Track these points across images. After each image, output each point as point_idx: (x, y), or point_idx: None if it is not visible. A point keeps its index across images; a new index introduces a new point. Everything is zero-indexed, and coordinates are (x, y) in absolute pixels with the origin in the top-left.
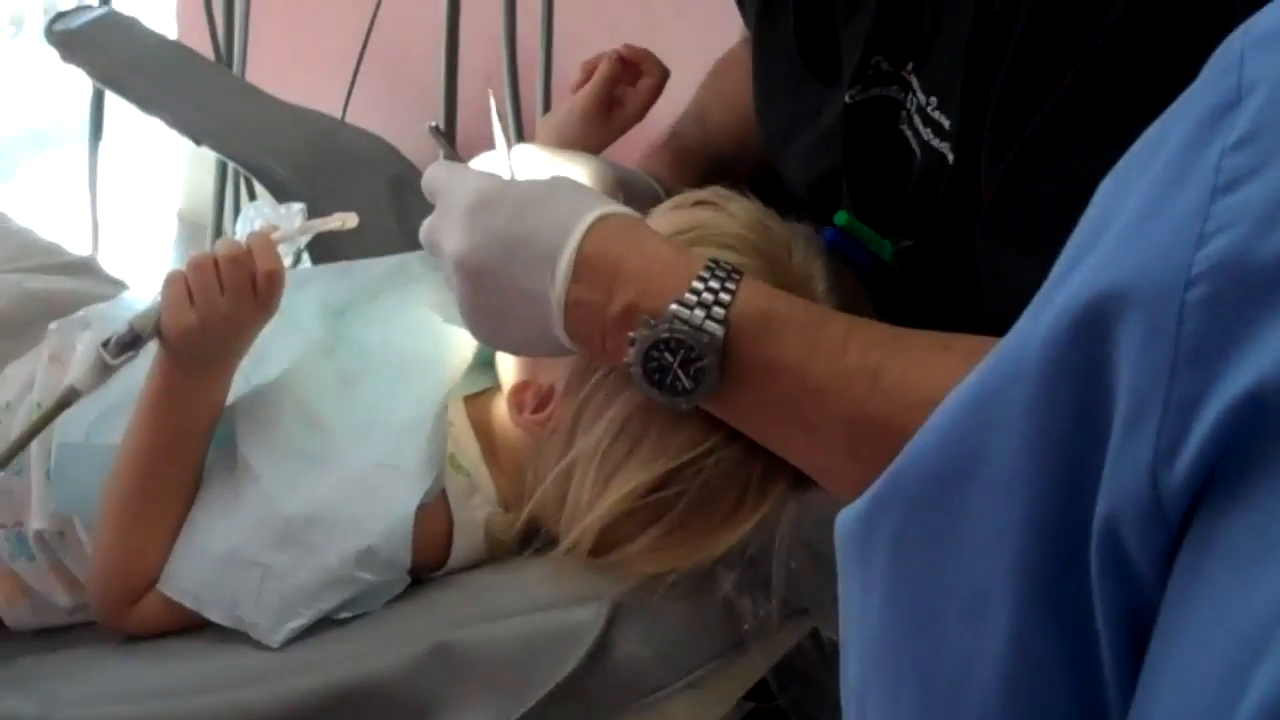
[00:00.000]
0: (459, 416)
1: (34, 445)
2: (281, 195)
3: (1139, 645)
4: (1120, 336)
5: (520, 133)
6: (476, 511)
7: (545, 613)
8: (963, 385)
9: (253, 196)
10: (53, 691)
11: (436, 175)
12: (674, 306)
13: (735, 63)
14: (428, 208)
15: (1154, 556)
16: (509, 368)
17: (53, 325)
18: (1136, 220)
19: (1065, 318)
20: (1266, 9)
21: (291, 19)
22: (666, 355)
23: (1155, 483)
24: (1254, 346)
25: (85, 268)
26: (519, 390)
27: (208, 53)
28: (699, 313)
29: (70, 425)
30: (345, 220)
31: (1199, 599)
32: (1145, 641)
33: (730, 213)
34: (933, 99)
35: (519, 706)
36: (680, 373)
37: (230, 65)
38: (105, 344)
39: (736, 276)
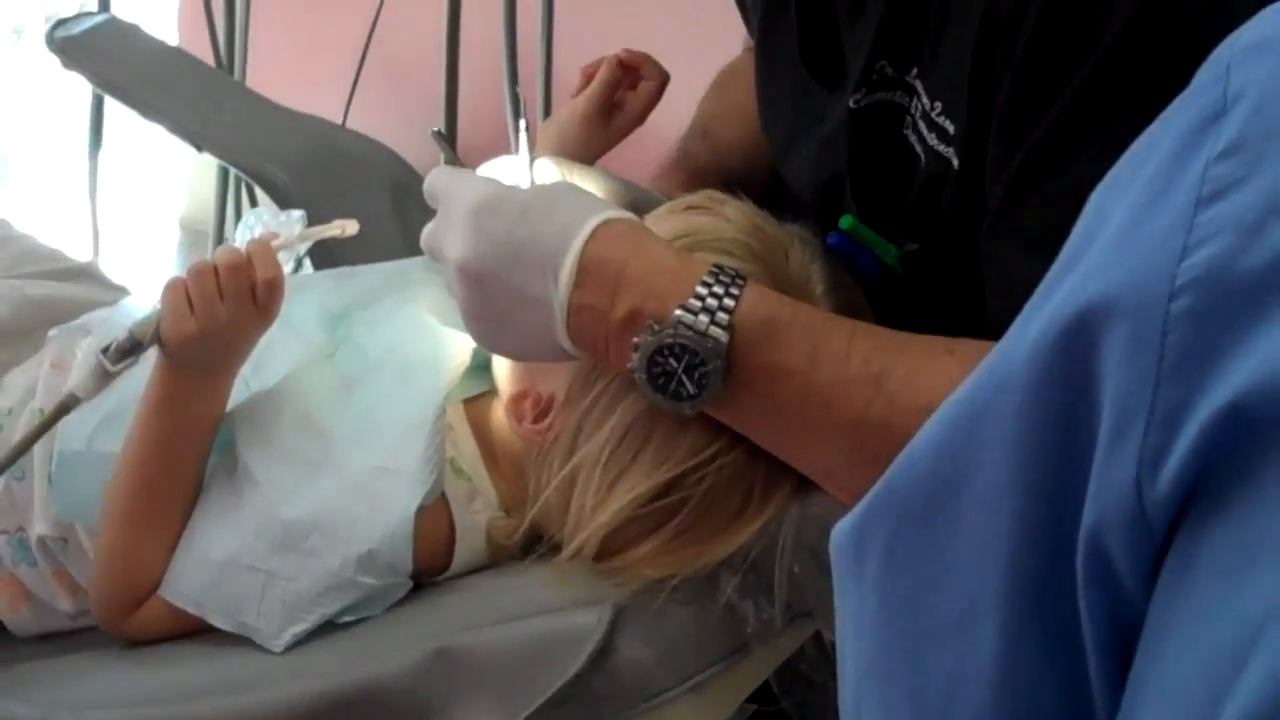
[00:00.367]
0: (458, 420)
1: (37, 451)
2: (282, 201)
3: (1125, 655)
4: (1105, 349)
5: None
6: (477, 516)
7: (547, 617)
8: (952, 397)
9: (254, 203)
10: (53, 696)
11: (438, 180)
12: (678, 312)
13: (738, 74)
14: (429, 213)
15: (1139, 567)
16: (506, 377)
17: (53, 331)
18: (1123, 231)
19: (1051, 331)
20: (1253, 20)
21: (292, 24)
22: (671, 361)
23: (1140, 494)
24: (1236, 358)
25: (86, 274)
26: (517, 400)
27: (208, 59)
28: (703, 318)
29: (71, 432)
30: (345, 227)
31: (1183, 609)
32: (1131, 651)
33: (726, 217)
34: (938, 104)
35: (521, 711)
36: (684, 378)
37: (231, 71)
38: (105, 350)
39: (741, 282)
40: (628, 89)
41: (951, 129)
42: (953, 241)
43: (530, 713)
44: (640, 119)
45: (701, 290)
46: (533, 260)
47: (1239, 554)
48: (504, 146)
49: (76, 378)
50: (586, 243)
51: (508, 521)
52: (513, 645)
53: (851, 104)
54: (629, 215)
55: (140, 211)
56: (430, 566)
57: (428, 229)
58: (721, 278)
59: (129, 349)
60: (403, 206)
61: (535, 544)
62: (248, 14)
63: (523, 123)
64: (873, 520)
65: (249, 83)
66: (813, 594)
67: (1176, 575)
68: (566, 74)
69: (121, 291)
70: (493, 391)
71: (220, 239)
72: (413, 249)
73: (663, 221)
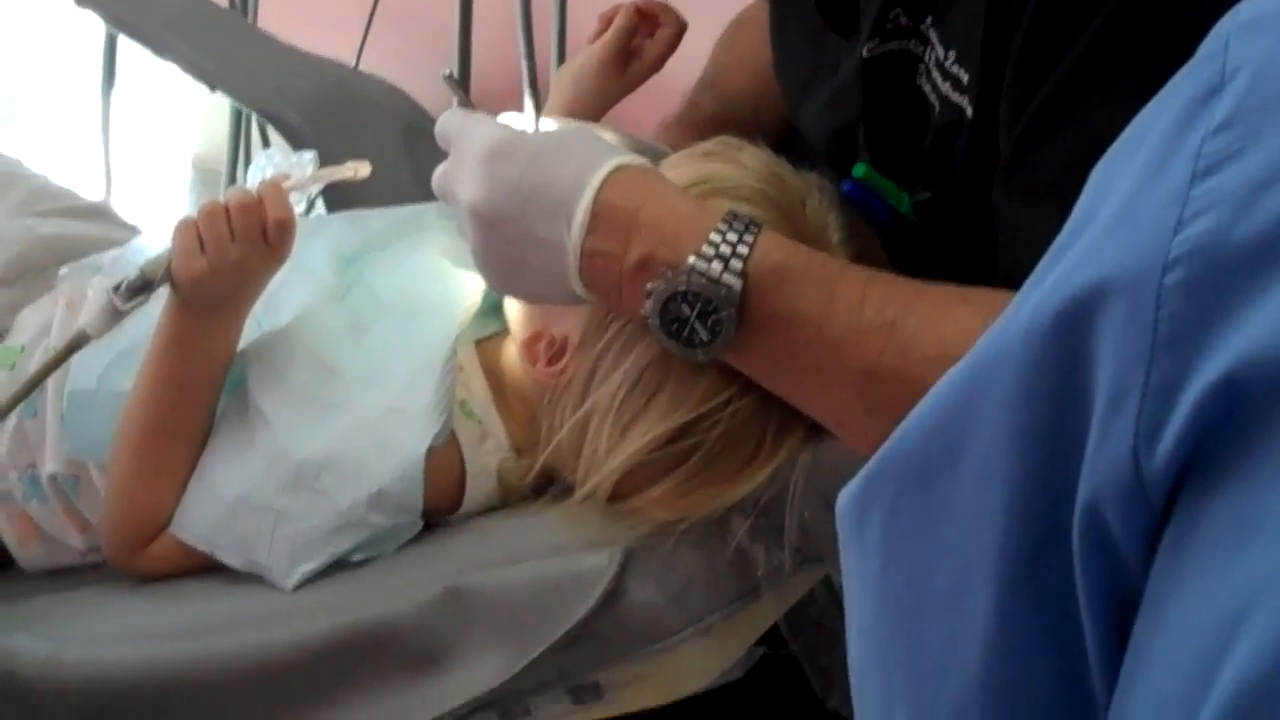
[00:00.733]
0: (469, 361)
1: (49, 388)
2: (295, 142)
3: (1123, 627)
4: (1101, 326)
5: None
6: (488, 457)
7: (558, 558)
8: (955, 367)
9: (266, 143)
10: (64, 630)
11: (451, 123)
12: (692, 259)
13: (748, 24)
14: (441, 156)
15: (1138, 539)
16: (520, 319)
17: (64, 270)
18: (1121, 209)
19: (1048, 309)
20: None
21: None
22: (684, 307)
23: (1137, 466)
24: (1231, 329)
25: (99, 213)
26: (531, 342)
27: (222, 1)
28: (717, 265)
29: (82, 371)
30: (358, 169)
31: (1181, 581)
32: (1129, 624)
33: (743, 164)
34: (951, 53)
35: (531, 651)
36: (698, 324)
37: (244, 12)
38: (116, 289)
39: (755, 229)
40: (645, 36)
41: (965, 78)
42: (966, 190)
43: (540, 653)
44: (656, 66)
45: (715, 237)
46: (546, 205)
47: (1235, 525)
48: (517, 90)
49: (87, 315)
50: (600, 188)
51: (519, 463)
52: (523, 586)
53: (865, 53)
54: (643, 161)
55: (153, 151)
56: (441, 506)
57: (439, 171)
58: (735, 224)
59: (140, 287)
60: (415, 149)
61: (547, 485)
62: None
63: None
64: (875, 486)
65: (261, 24)
66: (823, 539)
67: (1174, 547)
68: (582, 19)
69: (134, 230)
70: (504, 332)
71: (232, 179)
72: (425, 191)
73: (679, 167)
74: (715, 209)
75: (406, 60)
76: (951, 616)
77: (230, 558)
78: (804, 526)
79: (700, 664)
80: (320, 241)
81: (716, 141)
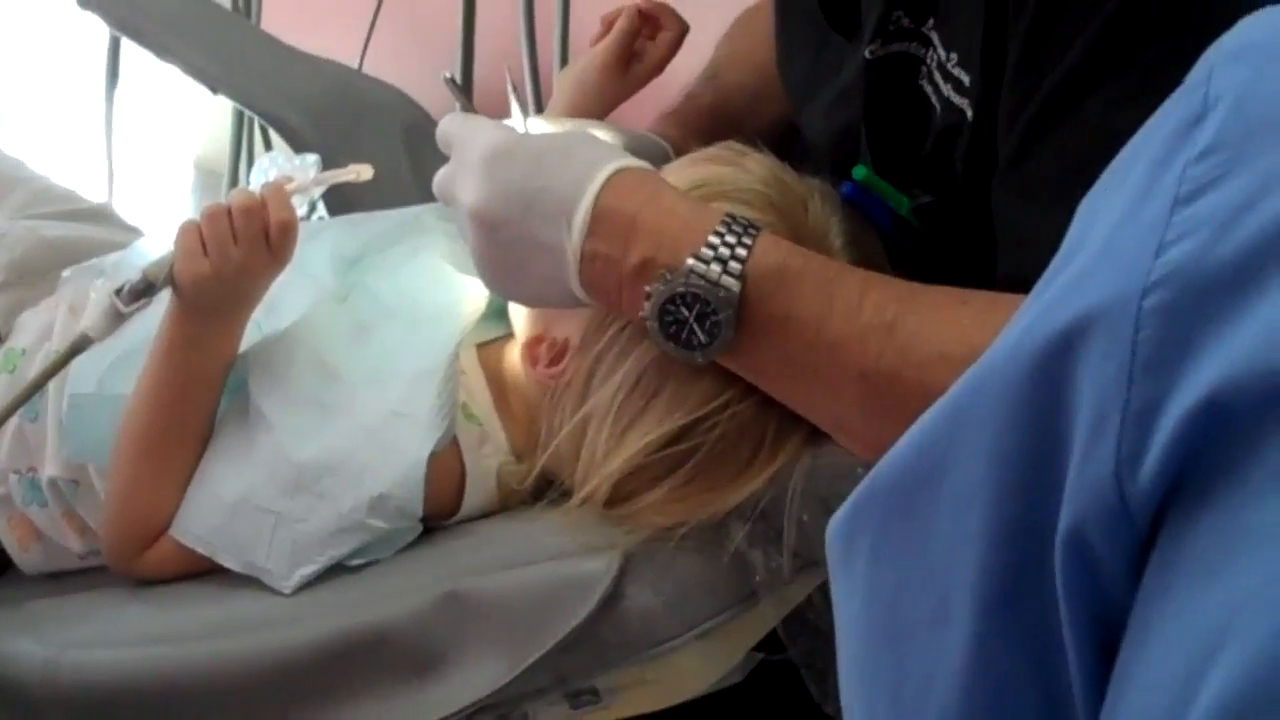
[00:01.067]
0: (471, 365)
1: (51, 392)
2: (297, 144)
3: (1108, 653)
4: (1082, 356)
5: (537, 86)
6: (488, 460)
7: (557, 562)
8: (941, 398)
9: (269, 145)
10: (64, 634)
11: (451, 126)
12: (690, 261)
13: (754, 19)
14: (443, 158)
15: (1123, 562)
16: (522, 321)
17: (66, 272)
18: (1105, 239)
19: (1031, 342)
20: (1239, 24)
21: None
22: (682, 310)
23: (1120, 489)
24: (1211, 351)
25: (101, 215)
26: (533, 344)
27: (225, 1)
28: (715, 267)
29: (82, 375)
30: (360, 172)
31: (1166, 601)
32: (1115, 649)
33: (746, 168)
34: (953, 55)
35: (529, 655)
36: (696, 327)
37: (248, 14)
38: (118, 292)
39: (753, 231)
40: (647, 38)
41: (966, 80)
42: (966, 194)
43: (538, 657)
44: (659, 69)
45: (714, 239)
46: (546, 208)
47: (1220, 546)
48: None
49: (89, 318)
50: (600, 191)
51: (519, 466)
52: (522, 590)
53: (868, 54)
54: (643, 164)
55: (155, 152)
56: (440, 510)
57: (440, 175)
58: (734, 227)
59: (142, 290)
60: (417, 152)
61: (546, 489)
62: None
63: (508, 76)
64: (861, 514)
65: (264, 26)
66: (821, 543)
67: (1160, 569)
68: (585, 22)
69: (136, 233)
70: (506, 336)
71: (235, 182)
72: (427, 194)
73: (683, 171)
74: (714, 212)
75: (409, 62)
76: (932, 645)
77: (229, 560)
78: (802, 531)
79: (698, 669)
80: (321, 244)
81: (721, 146)
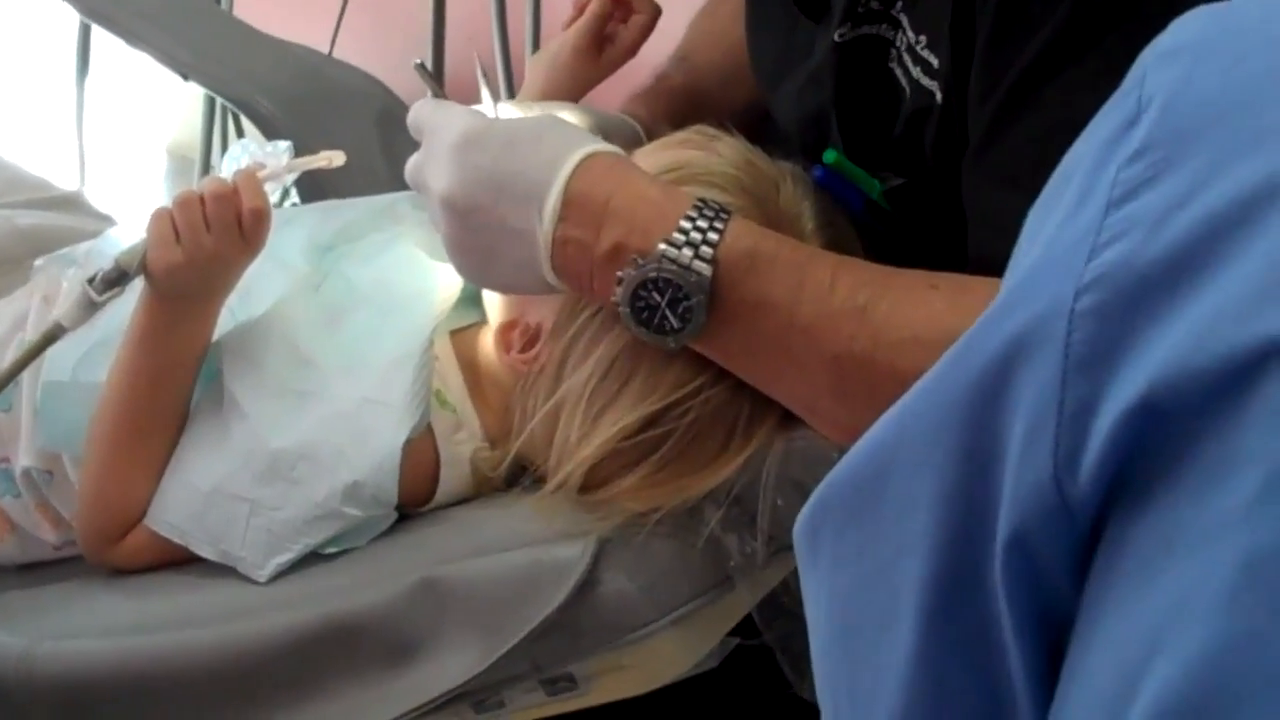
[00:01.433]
0: (445, 351)
1: (24, 382)
2: (269, 130)
3: (1057, 654)
4: (1021, 364)
5: (509, 71)
6: (462, 447)
7: (532, 549)
8: (896, 402)
9: (240, 133)
10: (39, 625)
11: (422, 112)
12: (662, 246)
13: (723, 2)
14: (416, 145)
15: (1068, 565)
16: (496, 306)
17: (38, 262)
18: (1043, 248)
19: (970, 354)
20: (1171, 25)
21: None
22: (654, 294)
23: (1060, 490)
24: (1143, 351)
25: (73, 203)
26: (506, 329)
27: None
28: (687, 252)
29: (56, 363)
30: (332, 159)
31: (1107, 601)
32: (1064, 650)
33: (717, 152)
34: (922, 37)
35: (505, 642)
36: (668, 312)
37: (218, 1)
38: (91, 280)
39: (725, 216)
40: (619, 22)
41: (936, 62)
42: (937, 176)
43: (513, 644)
44: (631, 52)
45: (685, 224)
46: (517, 193)
47: (1158, 546)
48: (492, 76)
49: (62, 308)
50: (571, 176)
51: (492, 453)
52: (496, 577)
53: (837, 37)
54: (614, 149)
55: (127, 139)
56: (415, 498)
57: (412, 161)
58: (706, 211)
59: (115, 279)
60: (390, 138)
61: (520, 476)
62: None
63: (477, 61)
64: (821, 512)
65: (235, 12)
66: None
67: (1103, 570)
68: (556, 6)
69: (109, 220)
70: (480, 323)
71: (207, 169)
72: (400, 180)
73: (654, 155)
74: (686, 196)
75: (381, 47)
76: (881, 648)
77: (204, 549)
78: (777, 515)
79: (674, 654)
80: (295, 231)
81: (691, 130)
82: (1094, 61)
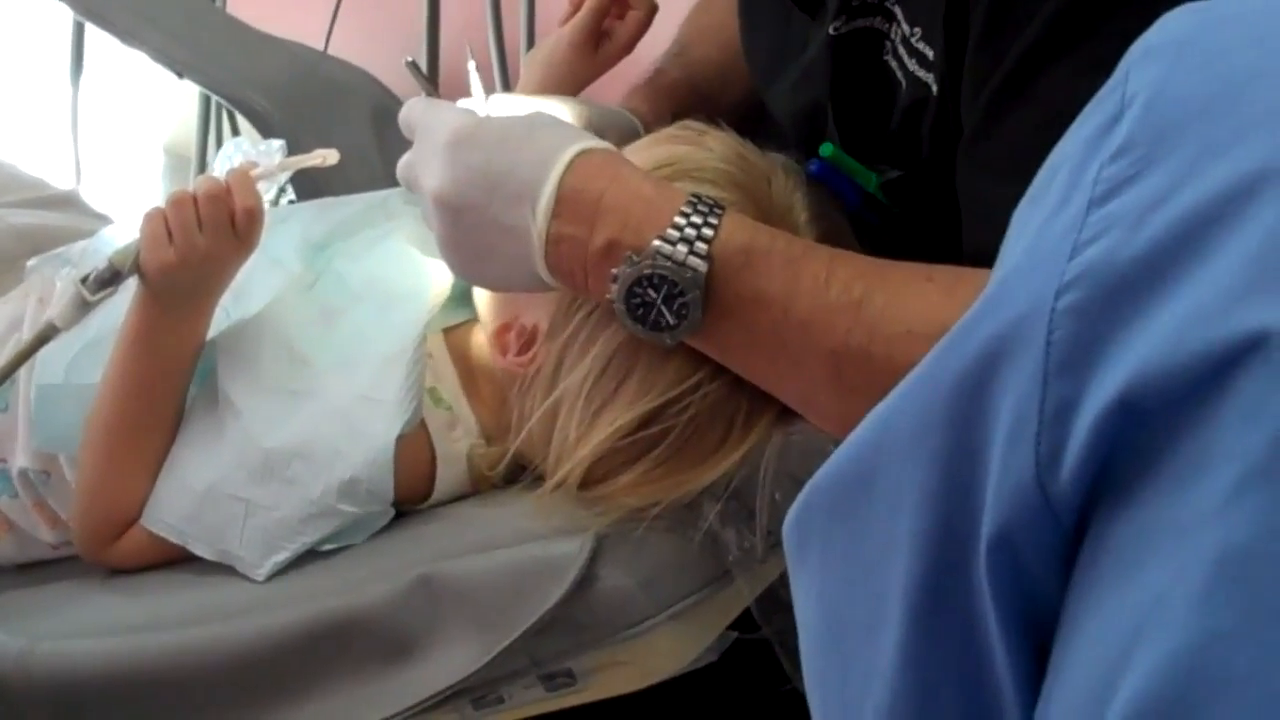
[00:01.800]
0: (438, 349)
1: (20, 382)
2: (264, 128)
3: (1044, 652)
4: (1003, 364)
5: (504, 66)
6: (458, 444)
7: (530, 545)
8: (882, 400)
9: (236, 130)
10: (36, 625)
11: (413, 111)
12: (656, 242)
13: None
14: (408, 142)
15: (1053, 562)
16: (489, 310)
17: (31, 262)
18: (1026, 248)
19: (952, 354)
20: (1155, 24)
21: None
22: (650, 291)
23: (1043, 489)
24: (1123, 348)
25: (69, 202)
26: (501, 332)
27: None
28: (682, 248)
29: (49, 366)
30: (326, 157)
31: (1090, 598)
32: (1049, 648)
33: (708, 146)
34: (916, 29)
35: (503, 638)
36: (664, 309)
37: None
38: (84, 280)
39: (719, 211)
40: (615, 18)
41: (931, 54)
42: (934, 169)
43: (512, 640)
44: (628, 48)
45: (680, 220)
46: (510, 191)
47: (1138, 542)
48: (487, 72)
49: (55, 308)
50: (564, 173)
51: (490, 451)
52: (495, 574)
53: (832, 31)
54: (607, 145)
55: (123, 138)
56: (412, 494)
57: (403, 160)
58: (700, 207)
59: (108, 279)
60: (386, 135)
61: (519, 473)
62: None
63: (471, 64)
64: (808, 515)
65: (230, 10)
66: None
67: (1086, 566)
68: (551, 2)
69: (105, 219)
70: (472, 320)
71: (202, 167)
72: (393, 178)
73: (644, 151)
74: (680, 192)
75: (375, 44)
76: (868, 647)
77: (201, 549)
78: (775, 509)
79: (673, 649)
80: (288, 230)
81: (680, 125)
82: (1087, 51)
